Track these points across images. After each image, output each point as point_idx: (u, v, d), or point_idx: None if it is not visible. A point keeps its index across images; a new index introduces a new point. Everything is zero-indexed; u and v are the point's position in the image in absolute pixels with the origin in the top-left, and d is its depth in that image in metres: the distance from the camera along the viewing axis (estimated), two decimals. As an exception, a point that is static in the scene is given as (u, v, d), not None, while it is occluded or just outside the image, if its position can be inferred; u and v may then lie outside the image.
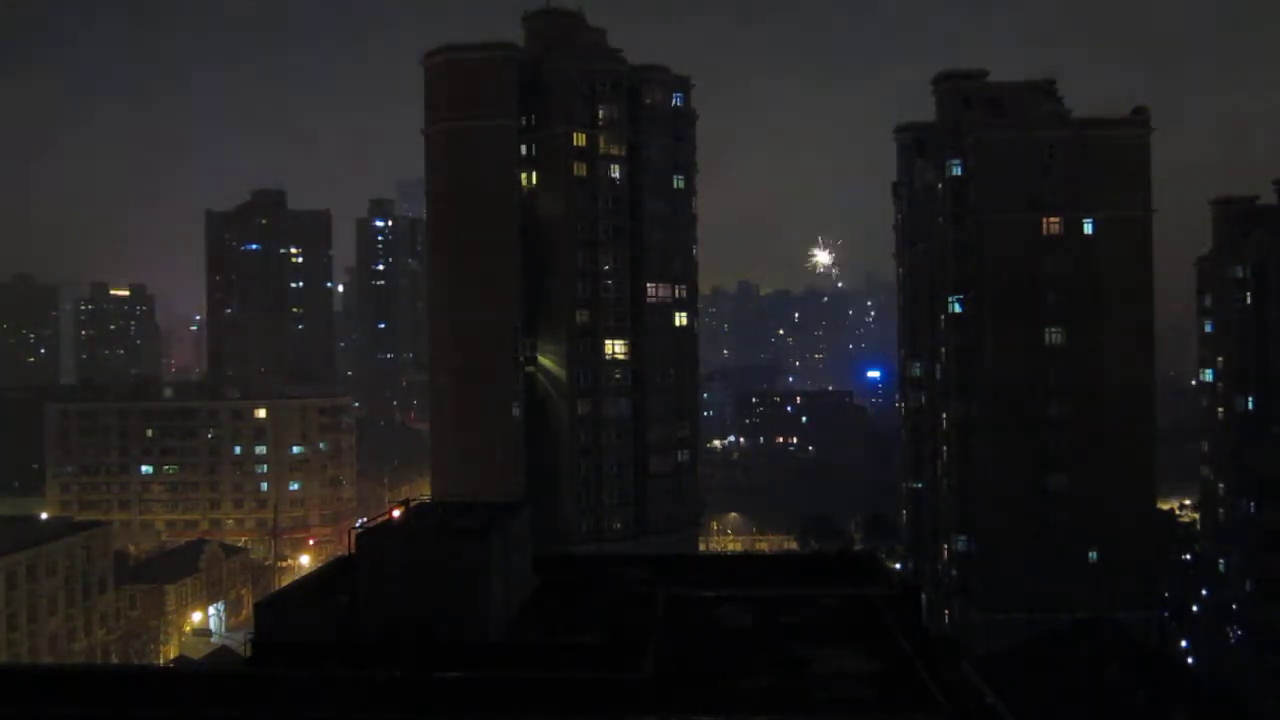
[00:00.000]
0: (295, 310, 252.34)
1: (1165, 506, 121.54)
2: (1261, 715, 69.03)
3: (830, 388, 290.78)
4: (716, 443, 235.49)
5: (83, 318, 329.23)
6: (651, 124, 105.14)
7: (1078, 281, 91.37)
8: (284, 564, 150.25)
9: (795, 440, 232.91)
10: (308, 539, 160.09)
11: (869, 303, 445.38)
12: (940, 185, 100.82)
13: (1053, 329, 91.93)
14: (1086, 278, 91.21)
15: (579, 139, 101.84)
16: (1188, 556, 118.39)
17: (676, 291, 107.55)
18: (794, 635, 32.54)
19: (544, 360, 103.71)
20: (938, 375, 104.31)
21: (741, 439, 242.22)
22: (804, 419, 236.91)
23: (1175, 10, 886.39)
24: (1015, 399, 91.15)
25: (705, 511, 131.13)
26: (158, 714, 27.90)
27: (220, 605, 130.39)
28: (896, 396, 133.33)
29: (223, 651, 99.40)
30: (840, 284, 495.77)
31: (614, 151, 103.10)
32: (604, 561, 47.44)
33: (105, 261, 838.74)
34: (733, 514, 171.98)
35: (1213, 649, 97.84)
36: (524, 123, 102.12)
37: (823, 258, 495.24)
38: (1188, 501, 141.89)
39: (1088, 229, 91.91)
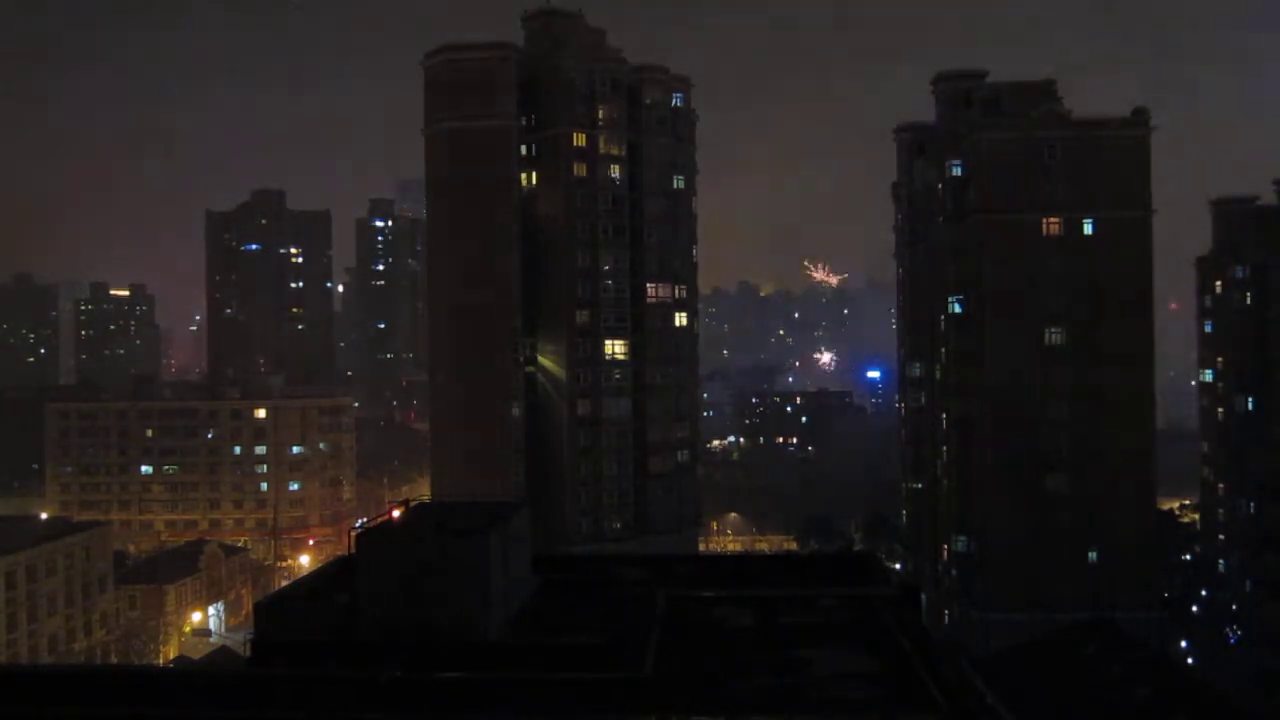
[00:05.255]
0: (295, 310, 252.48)
1: (1165, 506, 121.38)
2: (1261, 715, 68.99)
3: (830, 388, 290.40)
4: (716, 443, 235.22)
5: (83, 318, 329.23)
6: (651, 124, 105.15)
7: (1078, 281, 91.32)
8: (284, 564, 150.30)
9: (795, 440, 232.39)
10: (308, 539, 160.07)
11: (869, 303, 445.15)
12: (940, 185, 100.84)
13: (1053, 329, 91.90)
14: (1086, 278, 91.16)
15: (579, 139, 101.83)
16: (1188, 556, 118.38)
17: (676, 291, 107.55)
18: (794, 635, 32.53)
19: (544, 360, 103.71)
20: (938, 375, 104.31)
21: (741, 439, 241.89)
22: (804, 419, 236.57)
23: (1176, 10, 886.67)
24: (1015, 399, 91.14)
25: (705, 511, 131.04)
26: (158, 714, 27.90)
27: (220, 605, 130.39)
28: (896, 396, 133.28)
29: (223, 651, 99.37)
30: (839, 285, 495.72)
31: (614, 151, 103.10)
32: (604, 561, 47.45)
33: (105, 261, 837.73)
34: (733, 514, 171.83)
35: (1213, 649, 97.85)
36: (524, 123, 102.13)
37: (819, 274, 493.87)
38: (1188, 501, 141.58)
39: (1088, 229, 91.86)
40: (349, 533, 34.95)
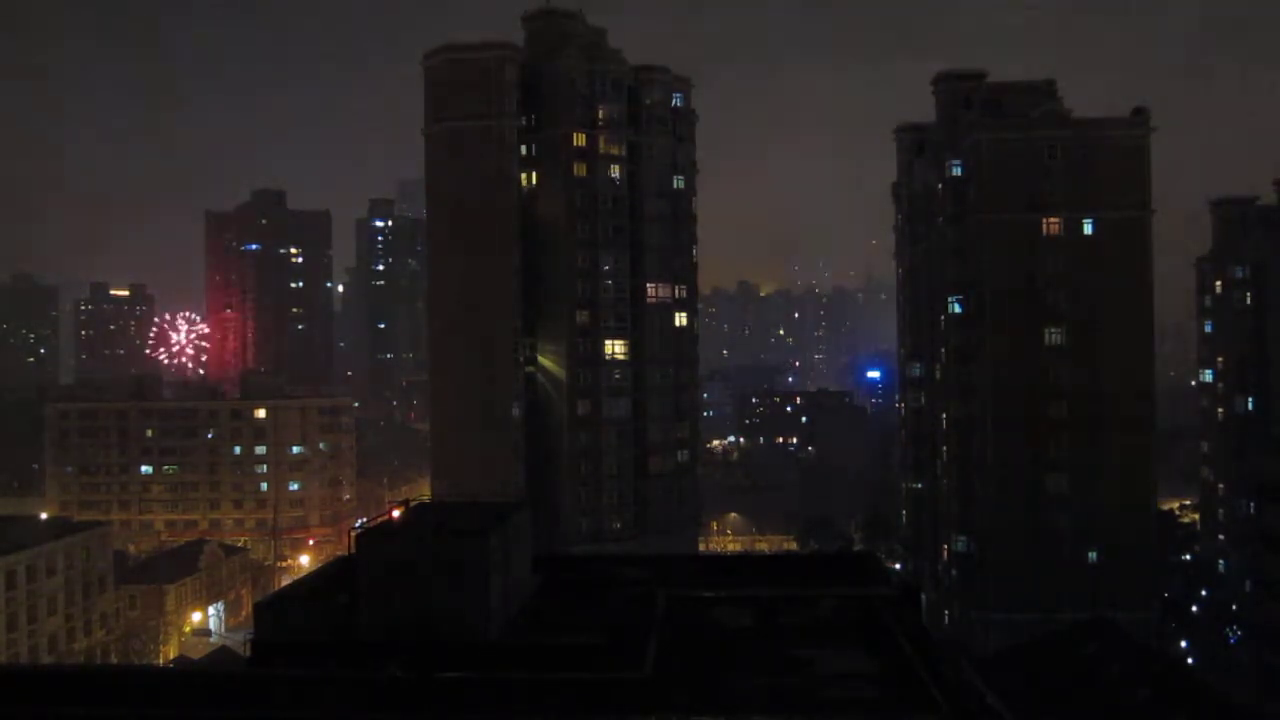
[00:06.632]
0: (295, 310, 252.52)
1: (1165, 506, 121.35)
2: (1261, 715, 68.98)
3: (830, 388, 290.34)
4: (716, 443, 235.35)
5: (83, 318, 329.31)
6: (651, 124, 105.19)
7: (1078, 281, 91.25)
8: (284, 564, 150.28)
9: (795, 440, 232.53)
10: (308, 539, 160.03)
11: (869, 303, 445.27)
12: (940, 185, 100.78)
13: (1053, 329, 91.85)
14: (1086, 278, 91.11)
15: (579, 139, 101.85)
16: (1188, 556, 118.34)
17: (676, 291, 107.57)
18: (794, 635, 32.55)
19: (544, 360, 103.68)
20: (938, 375, 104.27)
21: (741, 439, 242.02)
22: (804, 419, 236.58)
23: (1176, 10, 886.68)
24: (1015, 399, 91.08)
25: (705, 511, 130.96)
26: (158, 714, 27.91)
27: (220, 605, 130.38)
28: (896, 396, 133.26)
29: (223, 651, 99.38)
30: (840, 285, 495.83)
31: (614, 151, 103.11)
32: (604, 561, 47.46)
33: (105, 261, 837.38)
34: (733, 514, 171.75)
35: (1213, 649, 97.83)
36: (524, 123, 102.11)
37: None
38: (1188, 501, 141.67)
39: (1088, 229, 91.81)
40: (349, 533, 35.00)
